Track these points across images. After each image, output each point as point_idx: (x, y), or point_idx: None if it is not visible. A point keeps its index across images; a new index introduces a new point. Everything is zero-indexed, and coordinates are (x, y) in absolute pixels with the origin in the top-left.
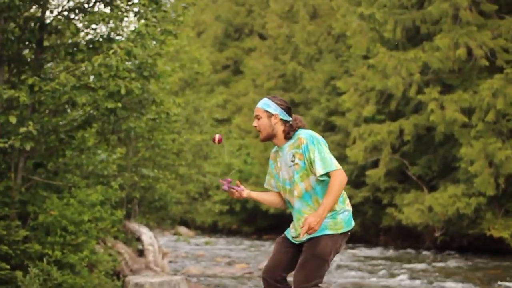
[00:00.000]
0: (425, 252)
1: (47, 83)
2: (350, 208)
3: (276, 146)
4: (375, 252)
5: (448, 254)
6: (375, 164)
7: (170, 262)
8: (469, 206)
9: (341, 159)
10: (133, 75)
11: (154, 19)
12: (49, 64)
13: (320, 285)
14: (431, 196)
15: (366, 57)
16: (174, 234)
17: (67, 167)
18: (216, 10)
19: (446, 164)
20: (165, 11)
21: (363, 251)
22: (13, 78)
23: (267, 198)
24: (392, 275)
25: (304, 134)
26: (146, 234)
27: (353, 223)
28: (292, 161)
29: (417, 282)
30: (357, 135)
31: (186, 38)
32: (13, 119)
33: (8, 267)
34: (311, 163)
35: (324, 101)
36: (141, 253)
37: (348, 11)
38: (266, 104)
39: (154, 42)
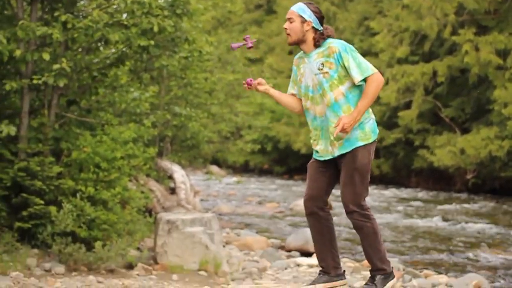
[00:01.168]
0: (456, 194)
1: (80, 20)
2: (373, 116)
3: (301, 52)
4: (406, 193)
5: (479, 196)
6: (407, 106)
7: (201, 200)
8: (502, 149)
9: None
10: (166, 12)
11: None
12: (82, 2)
13: (368, 211)
14: (464, 138)
15: None
16: (206, 173)
17: (100, 105)
18: None
19: (479, 107)
20: None
21: (393, 192)
22: (46, 15)
23: (286, 100)
24: (423, 216)
25: (336, 43)
26: (178, 172)
27: (377, 131)
28: (319, 69)
29: (448, 223)
30: (390, 76)
31: None
32: (46, 56)
33: (42, 202)
34: (346, 71)
35: (358, 41)
36: (173, 191)
37: None
38: (301, 9)
39: None
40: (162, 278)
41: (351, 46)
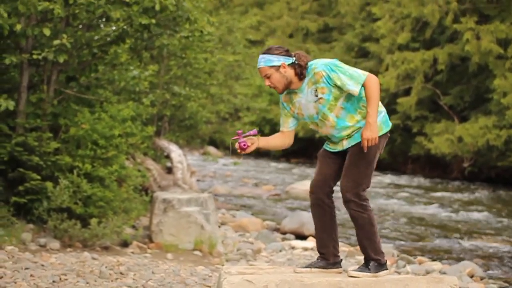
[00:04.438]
0: (452, 182)
1: None
2: (384, 109)
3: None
4: (403, 180)
5: (475, 185)
6: (407, 92)
7: (198, 180)
8: (500, 138)
9: None
10: None
11: None
12: None
13: (366, 202)
14: (462, 126)
15: None
16: (203, 153)
17: (99, 82)
18: None
19: (478, 95)
20: None
21: (390, 178)
22: None
23: (273, 143)
24: (418, 203)
25: (319, 67)
26: (175, 152)
27: (390, 123)
28: (316, 96)
29: (443, 211)
30: (390, 62)
31: None
32: (47, 31)
33: (39, 177)
34: (341, 88)
35: (359, 26)
36: (169, 170)
37: None
38: (268, 61)
39: None
40: (156, 257)
41: (334, 61)
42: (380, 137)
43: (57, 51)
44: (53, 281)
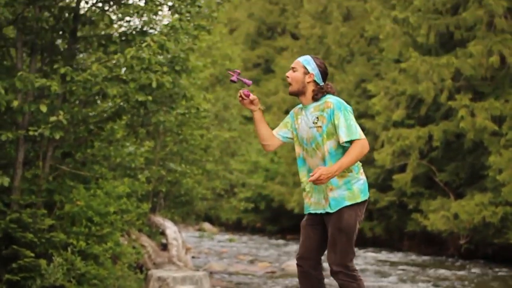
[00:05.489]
0: (449, 259)
1: (79, 73)
2: (364, 177)
3: (301, 104)
4: (398, 257)
5: (472, 262)
6: (402, 169)
7: (193, 257)
8: (496, 215)
9: (368, 162)
10: (165, 68)
11: (188, 14)
12: (81, 55)
13: (355, 272)
14: (458, 203)
15: (398, 61)
16: (198, 229)
17: (95, 158)
18: (250, 8)
19: (474, 172)
20: (199, 6)
21: (386, 256)
22: (46, 67)
23: (264, 130)
24: (415, 281)
25: (332, 99)
26: (170, 229)
27: (368, 192)
28: (314, 122)
29: None
30: (386, 139)
31: (218, 34)
32: (43, 108)
33: (33, 255)
34: (334, 128)
35: (354, 103)
36: (164, 247)
37: (381, 14)
38: (306, 61)
39: (187, 37)
40: None
41: (347, 106)
42: (358, 204)
43: (53, 127)
44: None
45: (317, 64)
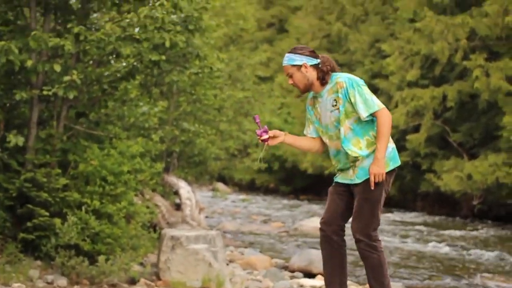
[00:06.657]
0: (461, 220)
1: (93, 32)
2: (393, 144)
3: (312, 92)
4: (412, 217)
5: (484, 223)
6: (416, 129)
7: (206, 217)
8: (509, 176)
9: None
10: (178, 28)
11: None
12: (95, 14)
13: (376, 243)
14: (471, 164)
15: (412, 21)
16: (212, 189)
17: (108, 118)
18: None
19: (488, 132)
20: None
21: (399, 216)
22: (59, 27)
23: (301, 143)
24: (427, 241)
25: (343, 78)
26: (184, 188)
27: (398, 159)
28: (333, 105)
29: (452, 249)
30: (400, 99)
31: None
32: (57, 67)
33: (47, 214)
34: (353, 106)
35: (368, 63)
36: (178, 207)
37: None
38: (290, 59)
39: None
40: None
41: (358, 80)
42: (387, 173)
43: (67, 87)
44: None
45: (299, 53)
